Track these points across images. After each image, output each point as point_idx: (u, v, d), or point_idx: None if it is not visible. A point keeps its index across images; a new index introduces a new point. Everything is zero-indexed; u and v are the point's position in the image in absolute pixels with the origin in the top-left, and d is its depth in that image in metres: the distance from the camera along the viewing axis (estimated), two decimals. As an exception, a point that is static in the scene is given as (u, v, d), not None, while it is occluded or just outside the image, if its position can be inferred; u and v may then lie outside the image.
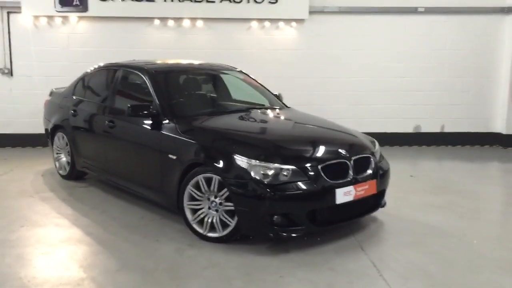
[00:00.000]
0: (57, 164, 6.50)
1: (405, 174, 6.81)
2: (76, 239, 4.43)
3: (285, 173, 4.02)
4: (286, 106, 5.77)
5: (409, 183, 6.39)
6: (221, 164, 4.16)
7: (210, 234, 4.32)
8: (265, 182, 3.97)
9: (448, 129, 9.04)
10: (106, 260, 3.99)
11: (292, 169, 4.04)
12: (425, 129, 9.02)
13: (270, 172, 4.00)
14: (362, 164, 4.43)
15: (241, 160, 4.09)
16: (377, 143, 4.93)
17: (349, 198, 4.20)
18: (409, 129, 9.00)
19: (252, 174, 4.01)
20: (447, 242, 4.38)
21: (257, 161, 4.05)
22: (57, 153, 6.49)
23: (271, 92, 5.96)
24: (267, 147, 4.33)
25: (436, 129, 9.03)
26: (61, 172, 6.44)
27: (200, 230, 4.37)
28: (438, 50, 8.78)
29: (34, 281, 3.59)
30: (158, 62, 5.92)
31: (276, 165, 4.04)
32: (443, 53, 8.79)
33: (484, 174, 7.31)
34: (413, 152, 8.60)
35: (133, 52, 8.10)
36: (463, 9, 8.64)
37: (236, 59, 7.93)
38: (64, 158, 6.38)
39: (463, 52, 8.81)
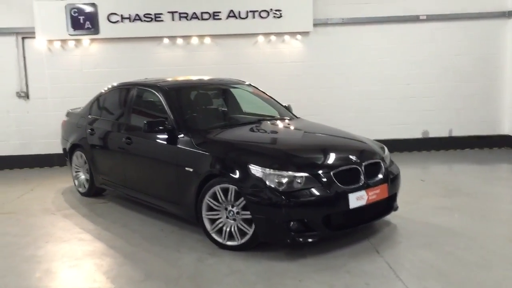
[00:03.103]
0: (76, 182, 6.70)
1: (415, 178, 6.93)
2: (100, 252, 4.60)
3: (299, 181, 4.18)
4: (296, 117, 5.95)
5: (420, 187, 6.51)
6: (236, 174, 4.33)
7: (229, 243, 4.48)
8: (280, 190, 4.13)
9: (456, 133, 9.15)
10: (131, 271, 4.15)
11: (306, 176, 4.20)
12: (433, 134, 9.14)
13: (285, 180, 4.16)
14: (373, 170, 4.58)
15: (255, 170, 4.25)
16: (386, 149, 5.08)
17: (362, 202, 4.34)
18: (418, 135, 9.13)
19: (267, 182, 4.17)
20: (459, 242, 4.50)
21: (271, 170, 4.22)
22: (76, 172, 6.70)
23: (280, 104, 6.14)
24: (280, 156, 4.50)
25: (444, 133, 9.15)
26: (80, 189, 6.64)
27: (219, 239, 4.52)
28: (442, 56, 8.93)
29: (65, 293, 3.77)
30: (170, 79, 6.12)
31: (290, 173, 4.20)
32: (447, 59, 8.94)
33: (493, 176, 7.41)
34: (422, 157, 8.72)
35: (144, 71, 8.33)
36: (464, 15, 8.80)
37: (244, 73, 8.12)
38: (83, 176, 6.58)
39: (467, 57, 8.96)
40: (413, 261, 4.11)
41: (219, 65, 8.68)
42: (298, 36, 8.72)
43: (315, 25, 8.61)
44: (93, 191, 6.47)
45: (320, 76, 8.86)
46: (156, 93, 5.50)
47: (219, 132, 5.06)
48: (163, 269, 4.16)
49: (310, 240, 4.20)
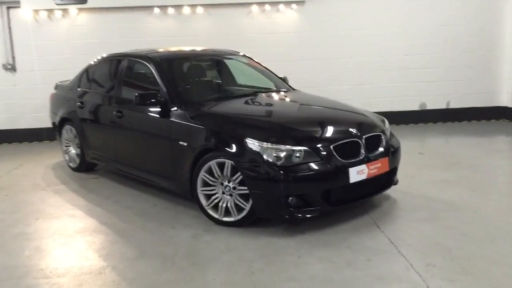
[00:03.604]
0: (67, 157, 6.51)
1: (414, 151, 6.81)
2: (92, 229, 4.46)
3: (297, 155, 4.02)
4: (293, 89, 5.75)
5: (419, 160, 6.39)
6: (233, 148, 4.16)
7: (225, 219, 4.34)
8: (278, 164, 3.98)
9: (454, 105, 9.02)
10: (124, 248, 4.01)
11: (304, 150, 4.04)
12: (430, 106, 9.00)
13: (283, 154, 4.00)
14: (373, 143, 4.43)
15: (252, 144, 4.09)
16: (386, 121, 4.92)
17: (363, 176, 4.20)
18: (415, 107, 8.98)
19: (265, 157, 4.01)
20: (462, 216, 4.39)
21: (269, 143, 4.06)
22: (66, 146, 6.50)
23: (276, 75, 5.94)
24: (278, 129, 4.32)
25: (442, 105, 9.01)
26: (71, 164, 6.45)
27: (215, 215, 4.38)
28: (441, 26, 8.72)
29: (56, 272, 3.62)
30: (162, 50, 5.88)
31: (288, 146, 4.04)
32: (446, 28, 8.73)
33: (493, 148, 7.30)
34: (420, 130, 8.59)
35: (134, 41, 8.08)
36: (464, -17, 8.59)
37: (238, 44, 7.87)
38: (73, 151, 6.39)
39: (466, 27, 8.76)
40: (415, 236, 4.00)
41: (212, 35, 8.43)
42: (293, 6, 8.46)
43: (311, -6, 8.35)
44: (84, 166, 6.29)
45: (316, 47, 8.63)
46: (148, 64, 5.27)
47: (214, 105, 4.87)
48: (158, 246, 4.03)
49: (309, 215, 4.07)
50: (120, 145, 5.52)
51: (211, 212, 4.42)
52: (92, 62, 6.30)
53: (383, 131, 4.61)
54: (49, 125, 7.04)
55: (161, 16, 8.38)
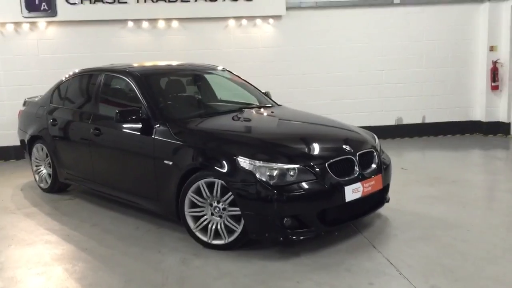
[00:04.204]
0: (37, 177, 6.14)
1: (395, 167, 6.64)
2: (70, 256, 4.15)
3: (291, 173, 3.86)
4: (277, 104, 5.61)
5: (402, 175, 6.32)
6: (223, 167, 3.96)
7: (215, 242, 4.11)
8: (272, 184, 3.80)
9: (429, 119, 9.07)
10: (108, 277, 3.73)
11: (299, 168, 3.88)
12: (406, 120, 9.02)
13: (276, 173, 3.83)
14: (366, 160, 4.31)
15: (244, 162, 3.90)
16: (376, 137, 4.84)
17: (358, 195, 4.07)
18: (391, 122, 8.98)
19: (258, 176, 3.83)
20: (457, 234, 4.31)
21: (262, 162, 3.88)
22: (36, 166, 6.14)
23: (259, 90, 5.78)
24: (271, 147, 4.15)
25: (417, 120, 9.05)
26: (42, 185, 6.09)
27: (204, 238, 4.15)
28: (416, 41, 8.79)
29: (35, 306, 3.32)
30: (140, 65, 5.64)
31: (282, 165, 3.87)
32: (421, 44, 8.81)
33: (471, 162, 7.34)
34: (397, 145, 8.58)
35: (107, 56, 7.80)
36: (438, 0, 8.68)
37: (214, 59, 7.70)
38: (44, 171, 6.03)
39: (440, 43, 8.85)
40: (414, 256, 3.88)
41: (187, 50, 8.23)
42: (270, 20, 8.37)
43: (287, 8, 8.28)
44: (57, 186, 5.94)
45: (293, 62, 8.55)
46: (127, 79, 5.03)
47: (200, 121, 4.66)
48: (145, 273, 3.76)
49: (304, 237, 3.90)
50: (98, 164, 5.23)
51: (199, 234, 4.18)
52: (66, 77, 5.99)
53: (374, 148, 4.51)
54: (17, 143, 6.66)
55: (135, 30, 8.14)
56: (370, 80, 8.78)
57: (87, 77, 5.74)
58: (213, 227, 4.10)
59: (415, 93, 8.93)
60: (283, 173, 3.84)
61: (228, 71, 5.93)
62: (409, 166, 6.95)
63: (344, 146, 4.25)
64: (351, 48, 8.66)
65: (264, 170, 3.84)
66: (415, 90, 8.93)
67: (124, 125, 4.77)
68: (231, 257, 3.97)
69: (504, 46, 8.72)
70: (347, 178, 4.04)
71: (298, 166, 3.89)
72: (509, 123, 8.86)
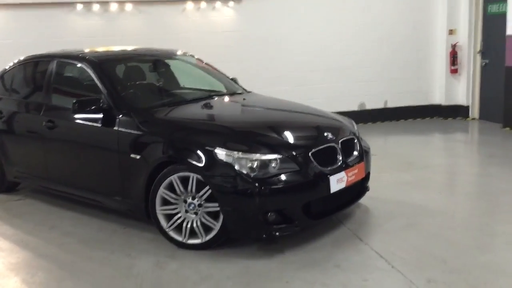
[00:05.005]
0: (-18, 176, 5.55)
1: (365, 153, 6.60)
2: (28, 264, 3.70)
3: (273, 164, 3.57)
4: (246, 91, 5.29)
5: (374, 162, 6.09)
6: (199, 160, 3.62)
7: (191, 241, 3.78)
8: (253, 176, 3.51)
9: (391, 104, 9.01)
10: (74, 287, 3.33)
11: (280, 159, 3.60)
12: (369, 105, 8.93)
13: (257, 164, 3.54)
14: (348, 147, 4.09)
15: (222, 154, 3.58)
16: (354, 123, 4.63)
17: (342, 185, 3.84)
18: (354, 107, 8.86)
19: (237, 168, 3.52)
20: (441, 221, 4.17)
21: (241, 153, 3.57)
22: (-20, 164, 5.54)
23: (227, 77, 5.44)
24: (249, 136, 3.84)
25: (380, 105, 8.97)
26: (-13, 185, 5.51)
27: (179, 238, 3.80)
28: (377, 25, 8.66)
29: (-8, 328, 2.89)
30: (94, 50, 5.17)
31: (263, 155, 3.58)
32: (382, 28, 8.69)
33: (438, 146, 7.34)
34: (361, 130, 8.24)
35: (54, 42, 7.16)
36: (398, -17, 8.61)
37: (172, 44, 7.19)
38: (-11, 169, 5.45)
39: (401, 26, 8.77)
40: (403, 247, 3.69)
41: (143, 35, 7.72)
42: (230, 3, 8.00)
43: (248, -9, 7.94)
44: (5, 186, 5.36)
45: (254, 47, 8.23)
46: (84, 66, 4.57)
47: (168, 110, 4.27)
48: (115, 280, 3.39)
49: (289, 233, 3.64)
50: (53, 160, 4.75)
51: (173, 234, 3.83)
52: (10, 65, 5.41)
53: (355, 134, 4.29)
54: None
55: (85, 14, 7.56)
56: (332, 65, 8.59)
57: (36, 64, 5.22)
58: (188, 225, 3.76)
59: (377, 78, 8.83)
60: (264, 164, 3.55)
61: (193, 56, 5.54)
62: (378, 152, 6.77)
63: (325, 134, 4.00)
64: (313, 32, 8.43)
65: (244, 162, 3.54)
66: (377, 75, 8.82)
67: (82, 116, 4.32)
68: (209, 257, 3.65)
69: (463, 30, 8.74)
70: (330, 168, 3.80)
71: (280, 156, 3.61)
72: (468, 106, 8.93)
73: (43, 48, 6.17)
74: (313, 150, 3.75)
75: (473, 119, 8.83)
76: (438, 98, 9.15)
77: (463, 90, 8.92)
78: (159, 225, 3.87)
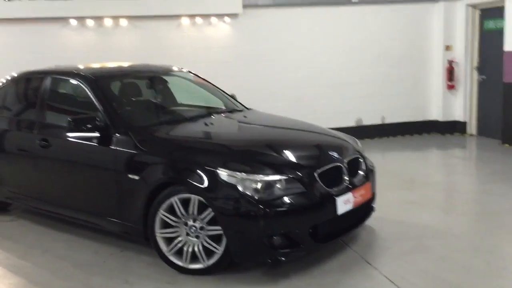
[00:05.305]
0: (-29, 197, 5.34)
1: (365, 170, 6.48)
2: (21, 292, 3.52)
3: (278, 185, 3.44)
4: (246, 108, 5.16)
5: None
6: (201, 181, 3.47)
7: (192, 266, 3.61)
8: (258, 198, 3.36)
9: (388, 120, 8.94)
10: (70, 317, 3.15)
11: (286, 180, 3.47)
12: (366, 121, 8.85)
13: (262, 185, 3.40)
14: (353, 167, 3.96)
15: (226, 175, 3.44)
16: (358, 141, 4.52)
17: (349, 206, 3.71)
18: (352, 123, 8.77)
19: (242, 189, 3.38)
20: (449, 243, 4.04)
21: (245, 173, 3.43)
22: (-30, 183, 5.34)
23: (226, 93, 5.32)
24: (252, 156, 3.70)
25: (377, 121, 8.90)
26: (-23, 205, 5.30)
27: (179, 263, 3.64)
28: (373, 41, 8.63)
29: None
30: (91, 66, 5.03)
31: (268, 176, 3.45)
32: (379, 44, 8.65)
33: (437, 163, 7.25)
34: (359, 147, 8.35)
35: (47, 58, 6.97)
36: (394, -1, 8.60)
37: (167, 59, 7.07)
38: (-21, 189, 5.25)
39: (397, 42, 8.74)
40: (413, 272, 3.56)
41: (138, 50, 7.62)
42: (226, 19, 7.92)
43: (244, 6, 7.86)
44: (-4, 206, 5.19)
45: (250, 63, 8.14)
46: (79, 83, 4.42)
47: (168, 129, 4.14)
48: (114, 309, 3.22)
49: (294, 257, 3.50)
50: (46, 180, 4.57)
51: (173, 258, 3.66)
52: (3, 81, 5.25)
53: (360, 153, 4.17)
54: None
55: (79, 29, 7.44)
56: (329, 81, 8.52)
57: (29, 80, 5.07)
58: (190, 249, 3.60)
59: (374, 94, 8.77)
60: (269, 185, 3.42)
61: (191, 72, 5.42)
62: (378, 169, 6.68)
63: (331, 153, 3.88)
64: (310, 48, 8.36)
65: (249, 183, 3.40)
66: (374, 91, 8.76)
67: (78, 135, 4.16)
68: (212, 283, 3.50)
69: (459, 45, 8.73)
70: (336, 189, 3.67)
71: (285, 177, 3.48)
72: (465, 122, 8.88)
73: (36, 64, 6.03)
74: (319, 171, 3.62)
75: (471, 135, 8.78)
76: (435, 114, 9.10)
77: (460, 106, 8.88)
78: (158, 248, 3.70)
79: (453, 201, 5.23)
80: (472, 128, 8.81)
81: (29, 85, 5.05)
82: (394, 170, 6.62)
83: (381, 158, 7.57)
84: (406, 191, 5.53)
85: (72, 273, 3.77)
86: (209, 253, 3.56)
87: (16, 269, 3.89)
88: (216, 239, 3.52)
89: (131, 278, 3.64)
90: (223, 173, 3.44)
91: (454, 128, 8.98)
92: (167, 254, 3.67)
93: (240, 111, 4.92)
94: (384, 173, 6.29)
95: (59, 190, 4.53)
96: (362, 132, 8.81)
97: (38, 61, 6.61)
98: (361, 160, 4.10)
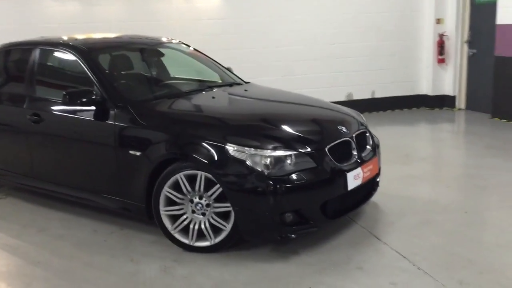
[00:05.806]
0: (-43, 174, 5.11)
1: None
2: (20, 273, 3.37)
3: (289, 161, 3.33)
4: (244, 81, 5.00)
5: (372, 154, 6.00)
6: (208, 157, 3.34)
7: (199, 244, 3.51)
8: (269, 174, 3.25)
9: (378, 94, 8.87)
10: (76, 298, 3.03)
11: (296, 155, 3.36)
12: (356, 96, 8.76)
13: (273, 161, 3.28)
14: (361, 141, 3.88)
15: (235, 150, 3.31)
16: (362, 116, 4.43)
17: (358, 182, 3.64)
18: (342, 97, 8.67)
19: (252, 165, 3.27)
20: (457, 218, 4.01)
21: (255, 148, 3.31)
22: (-45, 160, 5.10)
23: (223, 67, 5.14)
24: (261, 131, 3.58)
25: (367, 95, 8.82)
26: (-36, 183, 5.07)
27: (185, 240, 3.53)
28: (364, 14, 8.47)
29: None
30: (77, 37, 4.76)
31: (278, 151, 3.33)
32: (370, 16, 8.50)
33: (430, 137, 7.23)
34: (350, 121, 8.29)
35: (27, 29, 6.64)
36: (386, -29, 8.44)
37: (155, 32, 6.81)
38: (-34, 166, 5.02)
39: (388, 15, 8.60)
40: (424, 247, 3.52)
41: (124, 22, 7.31)
42: (216, -11, 7.67)
43: (235, -23, 7.62)
44: (-18, 184, 4.98)
45: (241, 36, 7.92)
46: (72, 55, 4.18)
47: (170, 103, 3.96)
48: (121, 290, 3.10)
49: (305, 234, 3.42)
50: (39, 157, 4.37)
51: (179, 236, 3.55)
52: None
53: (366, 127, 4.09)
54: None
55: (61, -1, 7.10)
56: (320, 55, 8.37)
57: (15, 53, 4.82)
58: (196, 226, 3.48)
59: (364, 68, 8.66)
60: (280, 160, 3.31)
61: (186, 44, 5.22)
62: (372, 143, 6.67)
63: (339, 128, 3.77)
64: (299, 21, 8.16)
65: (259, 159, 3.28)
66: (364, 65, 8.65)
67: (73, 109, 3.97)
68: (220, 261, 3.40)
69: (450, 19, 8.64)
70: (346, 164, 3.58)
71: (295, 152, 3.37)
72: (454, 96, 8.87)
73: (15, 36, 5.71)
74: (330, 145, 3.52)
75: (460, 109, 8.78)
76: (425, 88, 9.05)
77: (450, 80, 8.84)
78: (163, 226, 3.58)
79: (453, 175, 5.20)
80: (461, 102, 8.80)
81: (16, 57, 4.80)
82: (387, 145, 6.42)
83: (375, 133, 7.51)
84: (404, 166, 5.49)
85: (73, 253, 3.63)
86: (216, 230, 3.45)
87: (12, 249, 3.73)
88: (224, 216, 3.41)
89: (135, 256, 3.53)
90: (231, 149, 3.32)
91: (443, 102, 8.96)
92: (172, 232, 3.55)
93: (239, 84, 4.76)
94: (381, 148, 6.25)
95: (52, 167, 4.35)
96: (352, 106, 8.51)
97: (17, 33, 6.22)
98: (368, 135, 4.01)
